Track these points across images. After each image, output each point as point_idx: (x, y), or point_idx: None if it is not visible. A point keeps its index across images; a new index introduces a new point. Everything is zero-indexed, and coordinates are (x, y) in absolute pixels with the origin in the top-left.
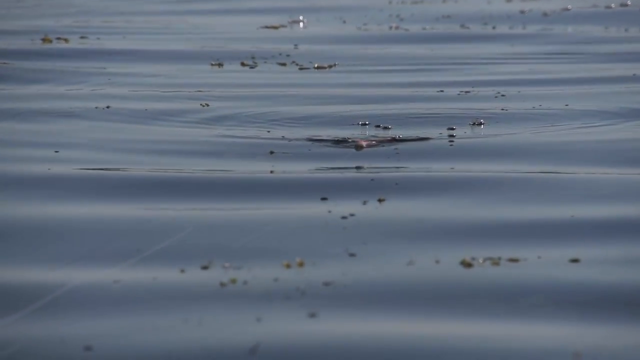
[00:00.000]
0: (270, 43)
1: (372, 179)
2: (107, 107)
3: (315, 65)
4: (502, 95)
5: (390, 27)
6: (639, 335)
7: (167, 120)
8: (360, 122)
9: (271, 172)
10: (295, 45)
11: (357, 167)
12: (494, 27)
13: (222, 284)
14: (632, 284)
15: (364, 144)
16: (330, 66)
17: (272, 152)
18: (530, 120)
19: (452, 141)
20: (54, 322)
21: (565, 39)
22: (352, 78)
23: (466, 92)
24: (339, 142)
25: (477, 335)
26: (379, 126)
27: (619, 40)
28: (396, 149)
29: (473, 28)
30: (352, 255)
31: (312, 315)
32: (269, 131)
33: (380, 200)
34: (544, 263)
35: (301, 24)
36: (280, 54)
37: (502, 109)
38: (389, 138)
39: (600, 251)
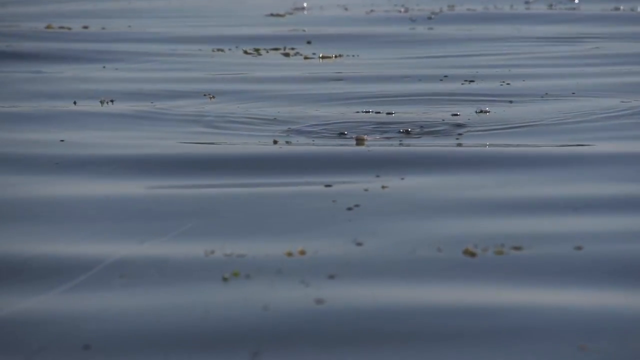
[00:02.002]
0: (275, 31)
1: (377, 175)
2: (112, 101)
3: (320, 55)
4: (507, 84)
5: (399, 11)
6: None
7: (172, 113)
8: (363, 110)
9: (275, 142)
10: (304, 29)
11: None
12: (497, 8)
13: (225, 279)
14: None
15: (365, 137)
16: (336, 56)
17: (275, 142)
18: (537, 109)
19: (459, 133)
20: (66, 305)
21: (571, 22)
22: (355, 67)
23: (470, 81)
24: (341, 135)
25: (480, 310)
26: (379, 112)
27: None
28: (400, 141)
29: (477, 14)
30: (358, 244)
31: (320, 302)
32: (274, 118)
33: (383, 187)
34: (548, 249)
35: (305, 12)
36: (284, 47)
37: (510, 101)
38: (396, 134)
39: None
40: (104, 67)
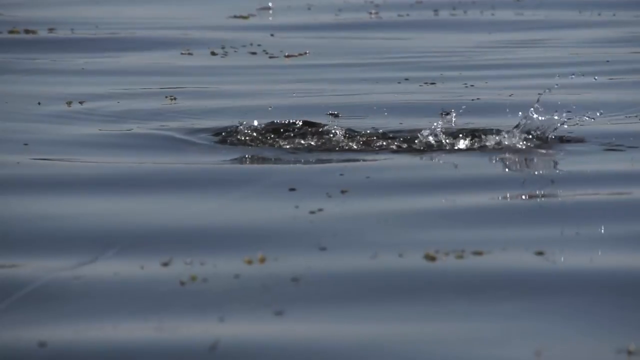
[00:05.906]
0: (240, 32)
1: (341, 174)
2: (81, 102)
3: (286, 54)
4: (472, 86)
5: (370, 14)
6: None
7: (136, 116)
8: (329, 112)
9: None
10: (272, 34)
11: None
12: (465, 12)
13: (182, 283)
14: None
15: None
16: (300, 54)
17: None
18: (503, 109)
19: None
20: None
21: (536, 24)
22: (321, 68)
23: (431, 83)
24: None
25: (438, 334)
26: (334, 113)
27: (591, 24)
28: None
29: (443, 15)
30: (322, 249)
31: (279, 313)
32: (240, 123)
33: (343, 192)
34: (509, 255)
35: (270, 11)
36: (251, 44)
37: (473, 99)
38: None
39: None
40: (70, 67)
